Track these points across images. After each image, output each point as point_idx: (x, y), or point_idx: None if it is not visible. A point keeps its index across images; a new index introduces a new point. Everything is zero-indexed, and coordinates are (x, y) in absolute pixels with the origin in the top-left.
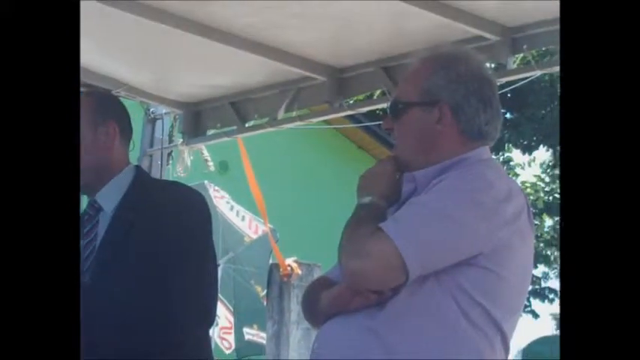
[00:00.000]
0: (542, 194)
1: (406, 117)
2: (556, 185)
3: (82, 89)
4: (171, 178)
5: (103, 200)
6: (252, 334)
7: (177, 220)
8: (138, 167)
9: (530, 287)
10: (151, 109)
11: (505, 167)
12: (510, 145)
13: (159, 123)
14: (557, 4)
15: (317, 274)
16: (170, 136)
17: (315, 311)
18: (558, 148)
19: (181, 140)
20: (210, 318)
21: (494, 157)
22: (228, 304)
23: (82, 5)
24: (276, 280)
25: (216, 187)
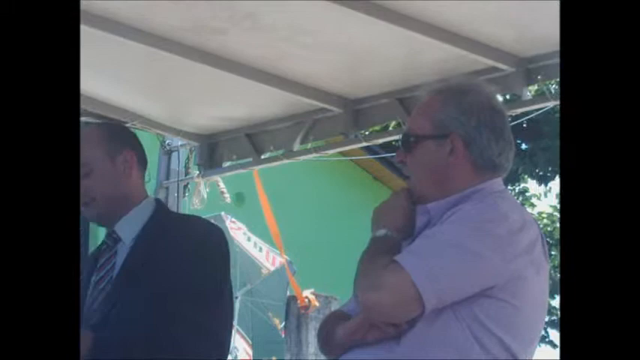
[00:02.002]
0: (558, 225)
1: (418, 150)
2: None
3: (95, 121)
4: (187, 211)
5: (122, 231)
6: None
7: (195, 255)
8: (158, 200)
9: (547, 318)
10: (167, 141)
11: (521, 198)
12: (526, 175)
13: (175, 155)
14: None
15: (334, 305)
16: (186, 168)
17: (332, 344)
18: None
19: (197, 172)
20: (225, 352)
21: (509, 188)
22: (247, 337)
23: (97, 38)
24: (293, 312)
25: (233, 219)
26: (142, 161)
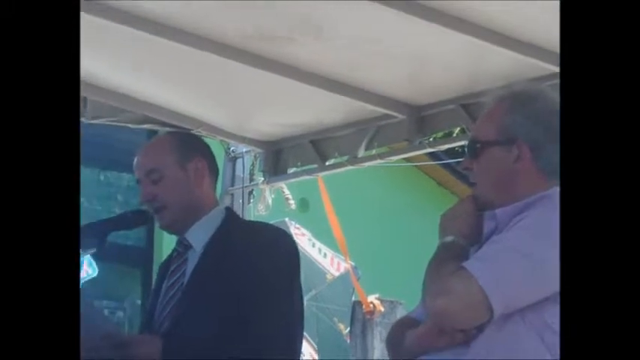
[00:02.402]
0: None
1: (484, 156)
2: None
3: (164, 129)
4: (252, 217)
5: (192, 238)
6: None
7: (265, 261)
8: (228, 208)
9: None
10: (232, 148)
11: None
12: None
13: (239, 161)
14: None
15: (399, 311)
16: (251, 174)
17: (400, 351)
18: None
19: (262, 179)
20: (296, 356)
21: None
22: (312, 342)
23: (163, 46)
24: (359, 317)
25: (297, 225)
26: (213, 169)
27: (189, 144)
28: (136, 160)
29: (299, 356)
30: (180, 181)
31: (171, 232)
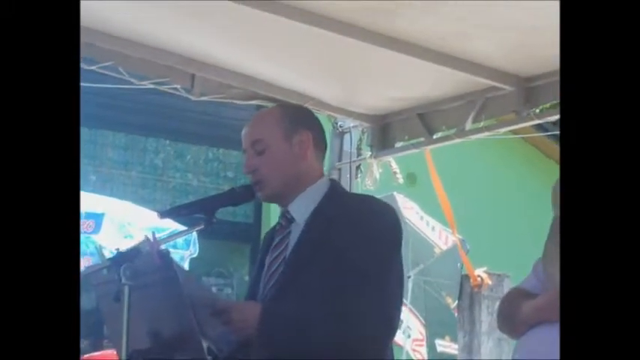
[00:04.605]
0: None
1: None
2: None
3: (273, 104)
4: (359, 191)
5: (295, 211)
6: (444, 345)
7: (368, 235)
8: (332, 180)
9: None
10: (339, 123)
11: None
12: None
13: (347, 136)
14: None
15: (507, 284)
16: (358, 149)
17: (515, 322)
18: None
19: (370, 153)
20: (393, 330)
21: None
22: (420, 316)
23: (271, 22)
24: (466, 291)
25: (406, 199)
26: (320, 143)
27: (297, 117)
28: (244, 130)
29: (395, 330)
30: (284, 154)
31: (272, 202)
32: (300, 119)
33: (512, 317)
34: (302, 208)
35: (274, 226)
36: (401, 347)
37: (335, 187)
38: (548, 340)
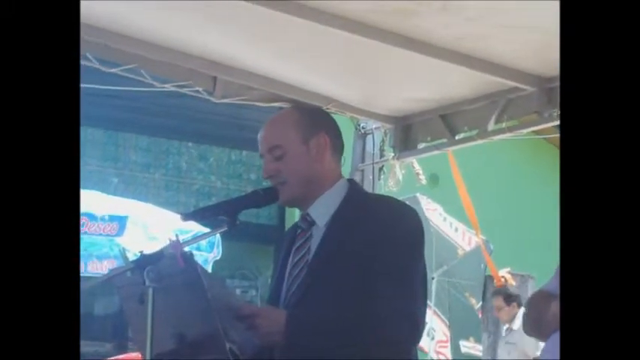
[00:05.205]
0: None
1: None
2: None
3: (289, 105)
4: (382, 192)
5: (315, 214)
6: (468, 346)
7: (389, 235)
8: (351, 181)
9: None
10: (362, 124)
11: None
12: None
13: (369, 138)
14: None
15: (530, 285)
16: (381, 150)
17: (542, 323)
18: None
19: (392, 154)
20: (420, 333)
21: None
22: (444, 318)
23: (291, 24)
24: (490, 292)
25: (429, 200)
26: (337, 145)
27: (313, 119)
28: (259, 134)
29: (421, 334)
30: (301, 158)
31: (292, 207)
32: (316, 121)
33: (539, 320)
34: (322, 210)
35: (293, 228)
36: (426, 353)
37: (354, 188)
38: None
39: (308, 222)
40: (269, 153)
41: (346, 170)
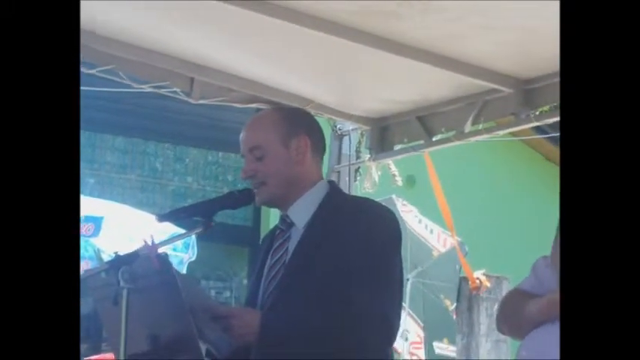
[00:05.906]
0: None
1: None
2: None
3: (271, 107)
4: (359, 194)
5: (294, 215)
6: (442, 347)
7: (367, 238)
8: (331, 182)
9: None
10: (338, 126)
11: None
12: None
13: (346, 139)
14: None
15: (505, 286)
16: (357, 151)
17: (519, 322)
18: None
19: (369, 156)
20: (394, 336)
21: None
22: (418, 319)
23: (268, 25)
24: (465, 293)
25: (404, 202)
26: (318, 146)
27: (294, 120)
28: (241, 135)
29: (395, 336)
30: (282, 159)
31: (271, 207)
32: (297, 123)
33: (515, 317)
34: (301, 212)
35: (273, 230)
36: (399, 354)
37: (334, 190)
38: (553, 339)
39: (287, 223)
40: (250, 153)
41: (322, 172)
